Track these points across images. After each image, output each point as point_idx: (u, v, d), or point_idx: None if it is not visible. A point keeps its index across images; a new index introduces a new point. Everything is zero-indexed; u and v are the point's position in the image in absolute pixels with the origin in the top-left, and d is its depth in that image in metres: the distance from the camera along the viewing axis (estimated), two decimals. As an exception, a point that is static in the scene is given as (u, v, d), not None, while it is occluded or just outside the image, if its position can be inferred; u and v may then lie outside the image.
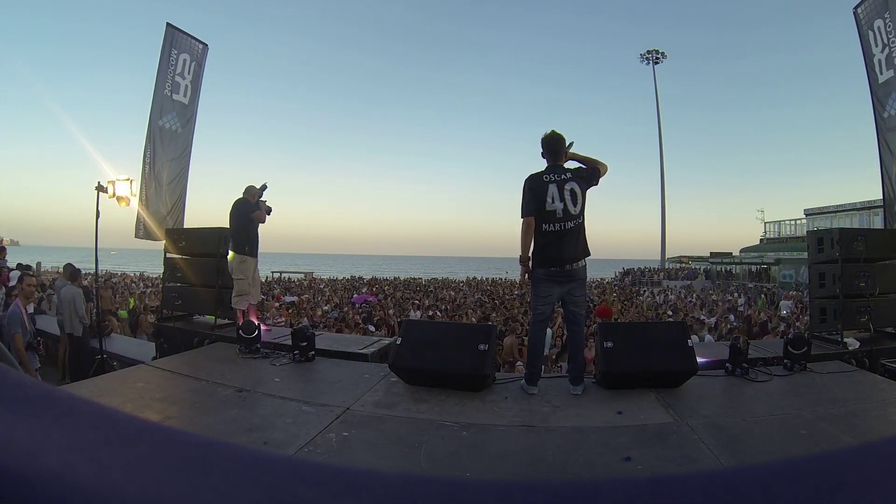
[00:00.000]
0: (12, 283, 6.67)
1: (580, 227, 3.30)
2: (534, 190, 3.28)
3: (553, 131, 3.39)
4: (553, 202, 3.24)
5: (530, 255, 3.34)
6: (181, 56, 6.79)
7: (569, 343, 3.46)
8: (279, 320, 9.28)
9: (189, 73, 6.92)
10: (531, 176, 3.34)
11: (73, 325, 5.95)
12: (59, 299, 6.18)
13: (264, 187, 5.21)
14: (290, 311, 10.84)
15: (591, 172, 3.40)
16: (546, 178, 3.29)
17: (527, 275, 3.40)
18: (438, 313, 11.51)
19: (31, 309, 5.46)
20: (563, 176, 3.30)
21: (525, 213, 3.32)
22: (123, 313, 10.11)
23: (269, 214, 5.22)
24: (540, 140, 3.40)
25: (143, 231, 6.51)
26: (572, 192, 3.27)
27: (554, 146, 3.37)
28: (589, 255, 3.33)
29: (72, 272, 6.49)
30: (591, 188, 3.37)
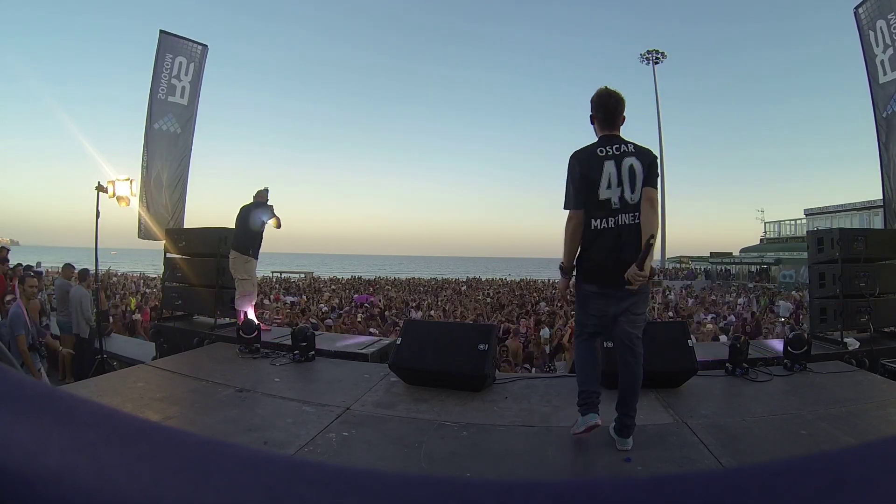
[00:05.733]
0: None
1: (639, 228, 2.35)
2: (584, 172, 2.36)
3: (607, 88, 2.49)
4: (609, 186, 2.34)
5: (575, 262, 2.50)
6: (177, 59, 6.83)
7: (620, 378, 2.54)
8: (275, 318, 9.31)
9: (188, 74, 6.94)
10: (578, 151, 2.45)
11: (81, 326, 5.98)
12: (64, 299, 6.19)
13: (265, 191, 5.28)
14: (288, 311, 10.85)
15: (653, 169, 2.42)
16: (601, 151, 2.38)
17: (569, 288, 2.61)
18: (439, 313, 11.51)
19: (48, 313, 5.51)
20: (622, 148, 2.39)
21: (573, 203, 2.41)
22: (133, 305, 10.55)
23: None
24: (590, 100, 2.49)
25: (144, 232, 6.53)
26: (631, 170, 2.36)
27: (610, 107, 2.45)
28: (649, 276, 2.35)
29: (81, 273, 6.51)
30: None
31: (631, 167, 2.36)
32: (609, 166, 2.36)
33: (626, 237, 2.34)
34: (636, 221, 2.35)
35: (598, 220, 2.36)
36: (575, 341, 2.71)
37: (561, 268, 2.57)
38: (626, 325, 2.47)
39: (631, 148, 2.40)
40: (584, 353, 2.64)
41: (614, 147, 2.39)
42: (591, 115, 2.51)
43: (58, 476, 0.28)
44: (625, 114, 2.49)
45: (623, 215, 2.35)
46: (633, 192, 2.35)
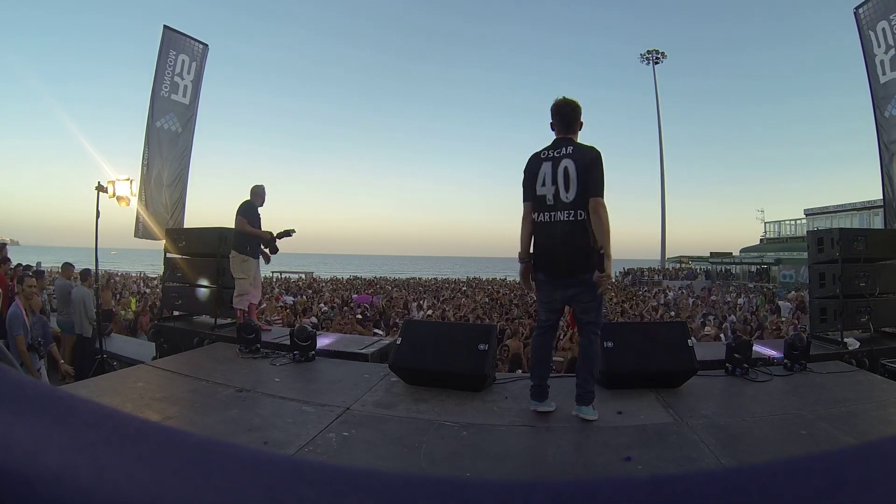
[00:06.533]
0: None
1: (578, 225, 2.60)
2: (526, 172, 2.77)
3: (565, 97, 2.81)
4: (544, 185, 2.68)
5: (531, 250, 2.82)
6: (180, 56, 6.82)
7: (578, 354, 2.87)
8: (275, 319, 9.29)
9: (190, 73, 6.94)
10: (533, 154, 2.83)
11: (84, 325, 5.98)
12: (65, 299, 6.19)
13: (290, 233, 5.17)
14: (286, 311, 10.84)
15: (592, 169, 2.62)
16: (543, 154, 2.74)
17: (528, 275, 2.86)
18: (438, 313, 11.50)
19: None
20: (562, 151, 2.67)
21: (523, 197, 2.80)
22: (133, 305, 10.51)
23: (273, 253, 5.17)
24: (550, 109, 2.82)
25: (142, 230, 6.52)
26: (566, 172, 2.62)
27: (566, 114, 2.76)
28: (592, 269, 2.60)
29: (82, 274, 6.51)
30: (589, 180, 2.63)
31: (566, 169, 2.62)
32: (546, 167, 2.67)
33: (560, 231, 2.63)
34: (571, 219, 2.61)
35: (538, 214, 2.72)
36: (533, 334, 3.02)
37: (518, 255, 2.84)
38: (578, 313, 2.80)
39: (570, 150, 2.65)
40: (537, 345, 2.96)
41: (556, 151, 2.69)
42: (550, 123, 2.80)
43: (58, 476, 0.28)
44: (582, 119, 2.79)
45: (559, 212, 2.64)
46: (567, 191, 2.61)
